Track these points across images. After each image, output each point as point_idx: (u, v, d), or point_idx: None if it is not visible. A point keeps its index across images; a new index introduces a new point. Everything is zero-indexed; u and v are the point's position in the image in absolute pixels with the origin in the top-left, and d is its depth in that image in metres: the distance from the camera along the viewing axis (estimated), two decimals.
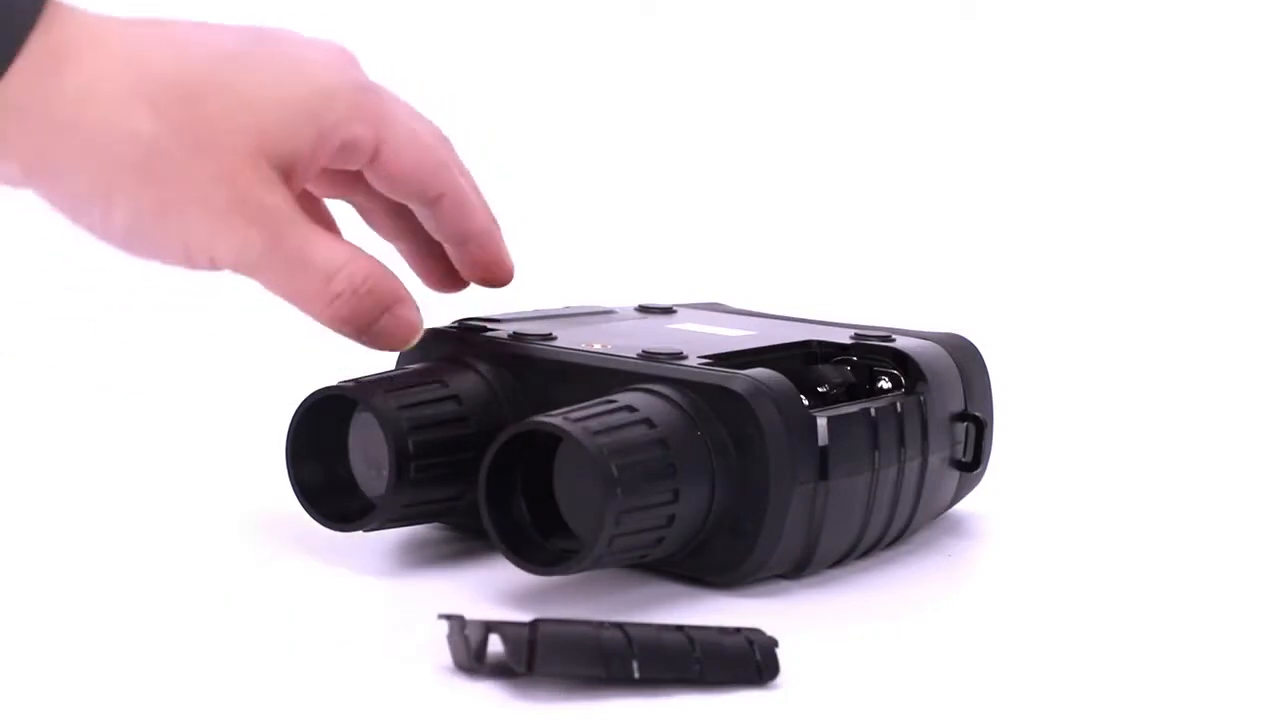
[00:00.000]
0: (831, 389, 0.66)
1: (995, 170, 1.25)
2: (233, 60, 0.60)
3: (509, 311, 0.72)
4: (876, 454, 0.63)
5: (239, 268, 0.60)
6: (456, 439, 0.63)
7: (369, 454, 0.64)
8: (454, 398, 0.64)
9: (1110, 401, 0.96)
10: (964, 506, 0.72)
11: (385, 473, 0.63)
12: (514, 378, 0.65)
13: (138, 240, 0.59)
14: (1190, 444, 0.87)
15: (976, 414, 0.68)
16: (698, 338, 0.69)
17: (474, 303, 0.71)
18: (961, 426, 0.68)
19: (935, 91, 1.27)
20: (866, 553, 0.65)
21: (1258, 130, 1.23)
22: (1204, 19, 1.24)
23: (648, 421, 0.59)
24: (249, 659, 0.56)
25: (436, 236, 0.67)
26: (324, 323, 0.62)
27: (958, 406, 0.68)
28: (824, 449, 0.61)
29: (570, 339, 0.67)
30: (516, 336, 0.67)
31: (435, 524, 0.68)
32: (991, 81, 1.27)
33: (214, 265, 0.60)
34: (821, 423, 0.61)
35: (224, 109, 0.59)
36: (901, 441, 0.64)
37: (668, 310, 0.76)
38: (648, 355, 0.64)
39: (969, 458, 0.68)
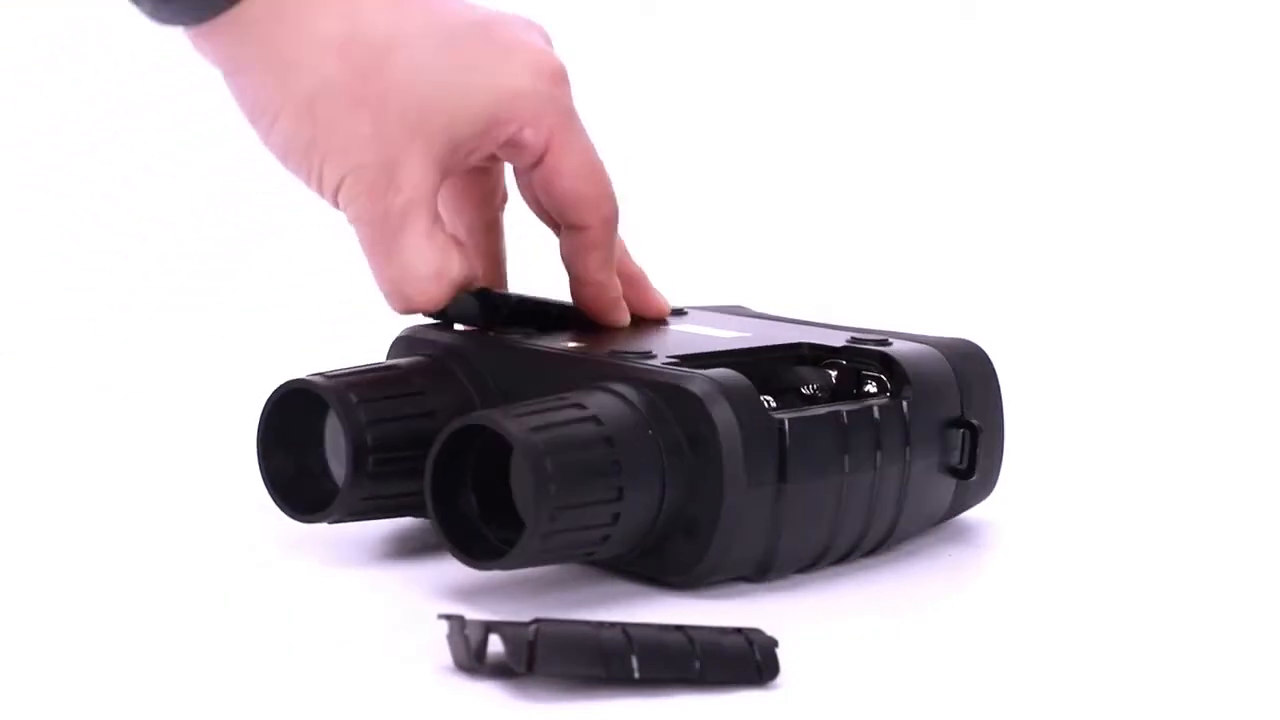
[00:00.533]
0: (815, 391, 0.66)
1: (1026, 180, 1.23)
2: (442, 41, 0.65)
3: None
4: (847, 457, 0.62)
5: (351, 223, 0.66)
6: (420, 433, 0.63)
7: (337, 446, 0.65)
8: (420, 392, 0.64)
9: (1125, 412, 0.94)
10: (972, 514, 0.71)
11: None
12: (489, 374, 0.66)
13: (285, 159, 0.65)
14: (1201, 454, 0.85)
15: (971, 420, 0.66)
16: (682, 338, 0.69)
17: None
18: (957, 433, 0.66)
19: (961, 97, 1.26)
20: (844, 558, 0.65)
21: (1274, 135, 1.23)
22: (1208, 20, 1.24)
23: (594, 419, 0.59)
24: (249, 659, 0.56)
25: (564, 264, 0.70)
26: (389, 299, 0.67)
27: (952, 412, 0.66)
28: (784, 450, 0.60)
29: (550, 337, 0.67)
30: (497, 333, 0.68)
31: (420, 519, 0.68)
32: (1011, 85, 1.25)
33: (336, 202, 0.65)
34: (784, 424, 0.61)
35: (403, 79, 0.64)
36: (878, 445, 0.63)
37: (678, 312, 0.76)
38: (615, 354, 0.64)
39: (964, 464, 0.66)
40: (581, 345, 0.66)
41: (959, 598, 0.65)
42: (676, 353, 0.64)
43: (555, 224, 0.70)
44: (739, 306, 0.80)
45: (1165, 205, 1.21)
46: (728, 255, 1.16)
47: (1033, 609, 0.63)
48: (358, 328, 0.88)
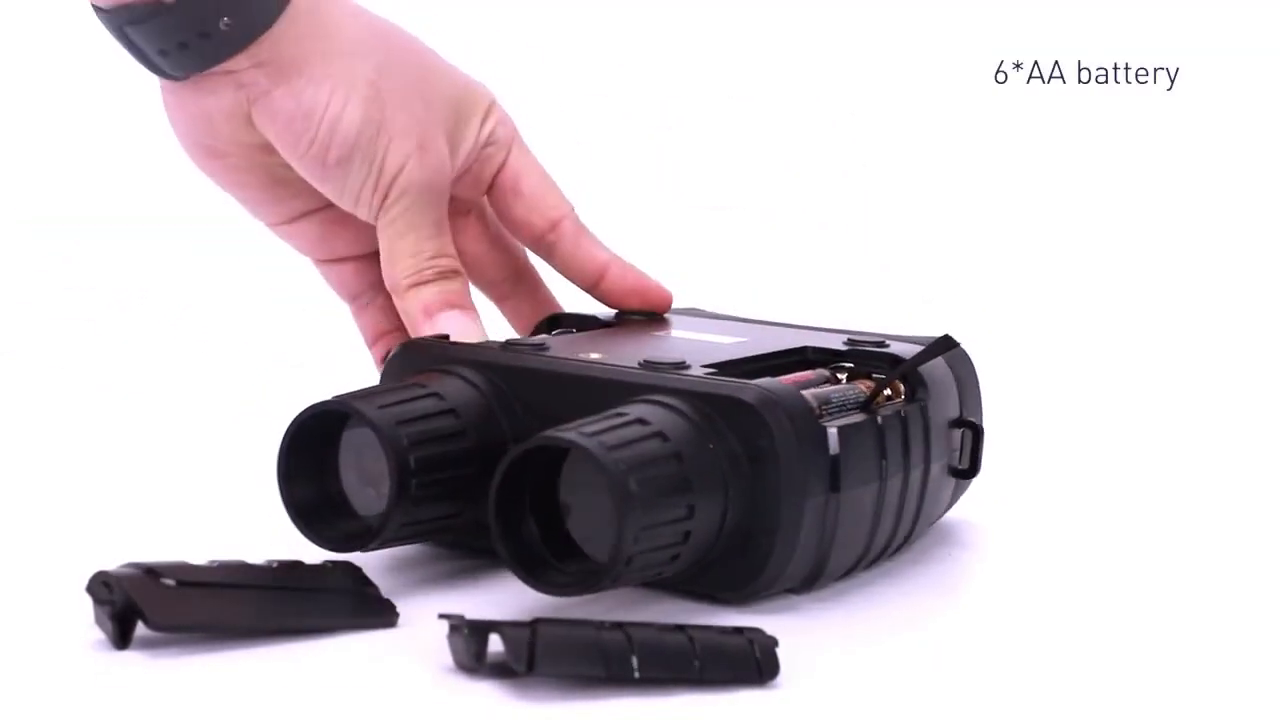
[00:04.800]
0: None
1: (966, 168, 1.24)
2: (426, 50, 0.71)
3: None
4: (884, 463, 0.61)
5: (406, 193, 0.68)
6: (456, 454, 0.61)
7: (363, 471, 0.62)
8: (451, 411, 0.61)
9: (1093, 404, 0.95)
10: (954, 513, 0.71)
11: (381, 490, 0.60)
12: (509, 390, 0.63)
13: (351, 147, 0.68)
14: (1174, 447, 0.86)
15: (973, 420, 0.67)
16: (694, 346, 0.67)
17: None
18: (958, 433, 0.66)
19: (905, 91, 1.26)
20: (872, 563, 0.64)
21: (1248, 135, 1.23)
22: (1193, 25, 1.24)
23: (660, 435, 0.57)
24: (249, 659, 0.55)
25: (569, 277, 0.74)
26: (407, 285, 0.69)
27: (954, 413, 0.66)
28: (835, 459, 0.59)
29: (564, 348, 0.65)
30: (508, 346, 0.65)
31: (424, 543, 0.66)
32: (965, 82, 1.26)
33: (390, 186, 0.68)
34: (832, 433, 0.59)
35: (430, 69, 0.70)
36: (906, 450, 0.63)
37: (650, 317, 0.74)
38: (649, 365, 0.62)
39: (966, 464, 0.66)
40: (604, 357, 0.64)
41: (957, 597, 0.65)
42: (701, 361, 0.63)
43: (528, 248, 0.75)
44: (694, 308, 0.78)
45: (1125, 197, 1.22)
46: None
47: (1030, 608, 0.64)
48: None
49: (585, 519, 0.58)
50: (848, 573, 0.63)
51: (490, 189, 0.73)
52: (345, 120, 0.67)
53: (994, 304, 1.12)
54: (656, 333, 0.71)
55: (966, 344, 0.70)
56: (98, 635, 0.56)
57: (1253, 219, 1.20)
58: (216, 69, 0.66)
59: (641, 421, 0.58)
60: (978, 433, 0.66)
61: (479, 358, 0.64)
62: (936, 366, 0.66)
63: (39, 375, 0.97)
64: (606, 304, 0.74)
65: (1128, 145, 1.23)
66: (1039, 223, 1.21)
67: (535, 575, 0.57)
